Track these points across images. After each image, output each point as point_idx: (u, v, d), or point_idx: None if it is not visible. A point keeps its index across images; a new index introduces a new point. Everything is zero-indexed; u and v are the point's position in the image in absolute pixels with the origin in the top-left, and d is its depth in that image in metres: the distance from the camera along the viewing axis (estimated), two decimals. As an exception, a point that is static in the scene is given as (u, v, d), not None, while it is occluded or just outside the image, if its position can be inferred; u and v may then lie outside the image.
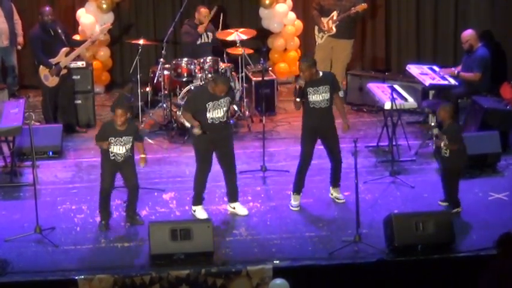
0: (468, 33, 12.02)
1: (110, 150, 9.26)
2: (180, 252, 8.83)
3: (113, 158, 9.30)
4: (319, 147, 9.99)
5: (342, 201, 10.01)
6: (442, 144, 9.63)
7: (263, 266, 8.71)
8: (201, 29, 12.65)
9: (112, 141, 9.25)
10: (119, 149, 9.28)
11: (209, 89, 9.53)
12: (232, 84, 12.18)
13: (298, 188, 9.89)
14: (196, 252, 8.84)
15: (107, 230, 9.43)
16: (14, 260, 8.78)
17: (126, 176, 9.44)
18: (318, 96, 9.63)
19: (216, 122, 9.48)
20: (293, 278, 7.75)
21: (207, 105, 9.43)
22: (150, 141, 11.83)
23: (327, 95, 9.66)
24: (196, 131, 9.38)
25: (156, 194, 10.28)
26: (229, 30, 12.86)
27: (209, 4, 13.99)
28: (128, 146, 9.31)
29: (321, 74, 9.73)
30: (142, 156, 9.52)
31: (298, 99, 9.61)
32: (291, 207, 9.87)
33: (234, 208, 9.82)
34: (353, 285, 8.78)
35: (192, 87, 11.77)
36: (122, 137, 9.27)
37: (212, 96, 9.45)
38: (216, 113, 9.46)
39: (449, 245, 8.95)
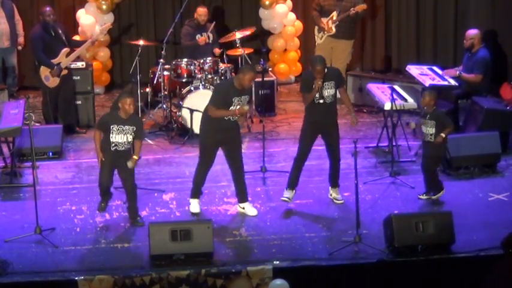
0: (474, 32, 11.98)
1: (112, 139, 9.23)
2: (180, 252, 8.83)
3: (114, 148, 9.26)
4: (319, 148, 10.00)
5: (341, 202, 10.01)
6: (427, 131, 9.77)
7: (263, 266, 8.70)
8: (201, 40, 12.62)
9: (114, 129, 9.22)
10: (120, 137, 9.25)
11: (235, 84, 9.47)
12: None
13: (292, 183, 9.87)
14: (196, 252, 8.83)
15: (104, 211, 9.52)
16: (14, 261, 8.75)
17: (124, 175, 9.42)
18: (324, 92, 9.65)
19: (232, 119, 9.47)
20: (293, 278, 7.74)
21: (233, 99, 9.40)
22: (150, 142, 11.84)
23: (332, 91, 9.68)
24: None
25: (156, 194, 10.27)
26: (229, 35, 12.87)
27: (209, 4, 14.03)
28: (129, 136, 9.27)
29: (326, 70, 9.75)
30: (135, 157, 9.38)
31: (321, 101, 9.61)
32: (282, 198, 9.81)
33: (243, 208, 9.81)
34: (353, 286, 8.78)
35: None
36: (124, 125, 9.25)
37: (238, 91, 9.40)
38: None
39: (449, 245, 8.94)
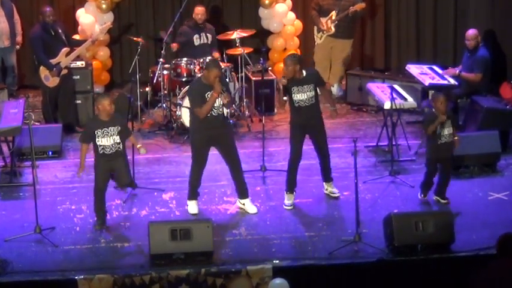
0: (475, 32, 11.99)
1: (98, 143, 9.26)
2: (180, 252, 8.83)
3: (102, 151, 9.28)
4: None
5: (337, 195, 10.03)
6: (448, 131, 9.69)
7: (263, 265, 8.70)
8: (172, 46, 12.60)
9: (99, 133, 9.23)
10: (106, 140, 9.26)
11: (203, 80, 9.52)
12: (231, 83, 12.19)
13: (290, 186, 9.89)
14: (196, 252, 8.83)
15: (103, 229, 9.42)
16: (14, 260, 8.76)
17: (119, 176, 9.41)
18: (303, 95, 9.65)
19: (215, 114, 9.46)
20: (293, 277, 7.71)
21: (206, 96, 9.41)
22: (149, 141, 11.85)
23: (311, 93, 9.68)
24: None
25: (155, 193, 10.27)
26: (228, 32, 12.86)
27: (208, 4, 14.02)
28: (115, 137, 9.27)
29: (304, 73, 9.73)
30: (139, 145, 9.58)
31: (284, 98, 9.63)
32: (285, 207, 9.87)
33: (243, 204, 9.82)
34: (353, 285, 8.78)
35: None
36: (108, 128, 9.26)
37: (208, 86, 9.41)
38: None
39: (449, 244, 8.94)
